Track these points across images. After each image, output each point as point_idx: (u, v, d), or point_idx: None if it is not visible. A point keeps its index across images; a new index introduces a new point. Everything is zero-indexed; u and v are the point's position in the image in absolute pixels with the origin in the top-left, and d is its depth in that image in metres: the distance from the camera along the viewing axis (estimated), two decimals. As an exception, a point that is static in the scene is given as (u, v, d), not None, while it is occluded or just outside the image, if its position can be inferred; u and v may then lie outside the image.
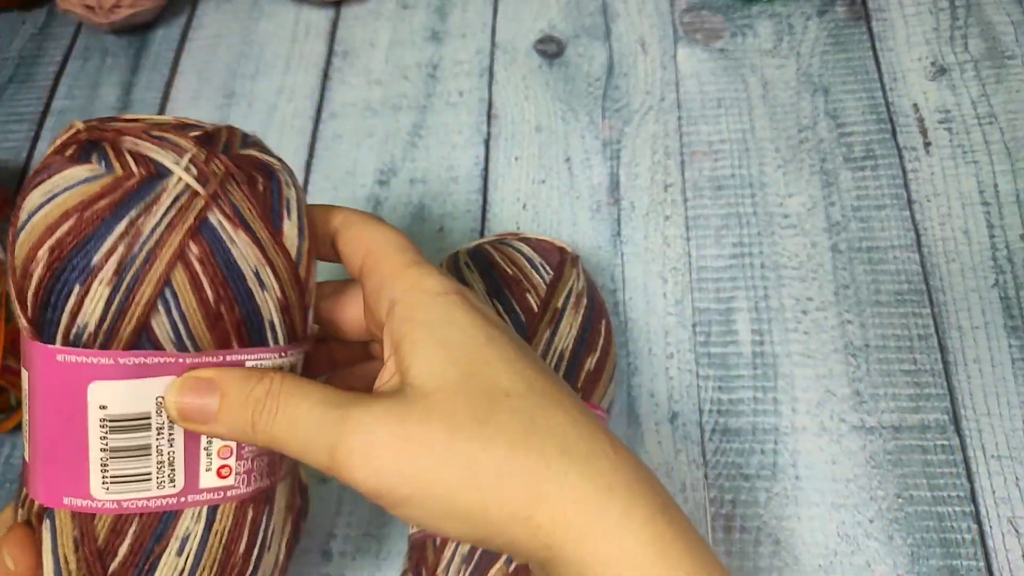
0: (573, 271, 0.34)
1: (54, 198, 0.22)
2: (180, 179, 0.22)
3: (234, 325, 0.23)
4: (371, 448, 0.21)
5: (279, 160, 0.25)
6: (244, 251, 0.23)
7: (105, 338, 0.22)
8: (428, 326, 0.23)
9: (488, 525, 0.21)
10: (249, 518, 0.24)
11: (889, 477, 0.35)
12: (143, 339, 0.22)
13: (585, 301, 0.33)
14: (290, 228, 0.24)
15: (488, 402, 0.21)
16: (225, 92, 0.50)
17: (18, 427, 0.41)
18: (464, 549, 0.29)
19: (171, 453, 0.23)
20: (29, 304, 0.22)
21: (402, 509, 0.22)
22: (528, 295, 0.33)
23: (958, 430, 0.36)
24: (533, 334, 0.32)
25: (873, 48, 0.46)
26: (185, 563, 0.23)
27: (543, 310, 0.32)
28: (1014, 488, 0.34)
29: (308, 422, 0.22)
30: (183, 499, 0.23)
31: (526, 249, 0.34)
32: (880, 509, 0.35)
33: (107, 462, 0.22)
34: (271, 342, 0.24)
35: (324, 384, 0.23)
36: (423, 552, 0.30)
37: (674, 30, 0.48)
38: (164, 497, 0.23)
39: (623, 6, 0.49)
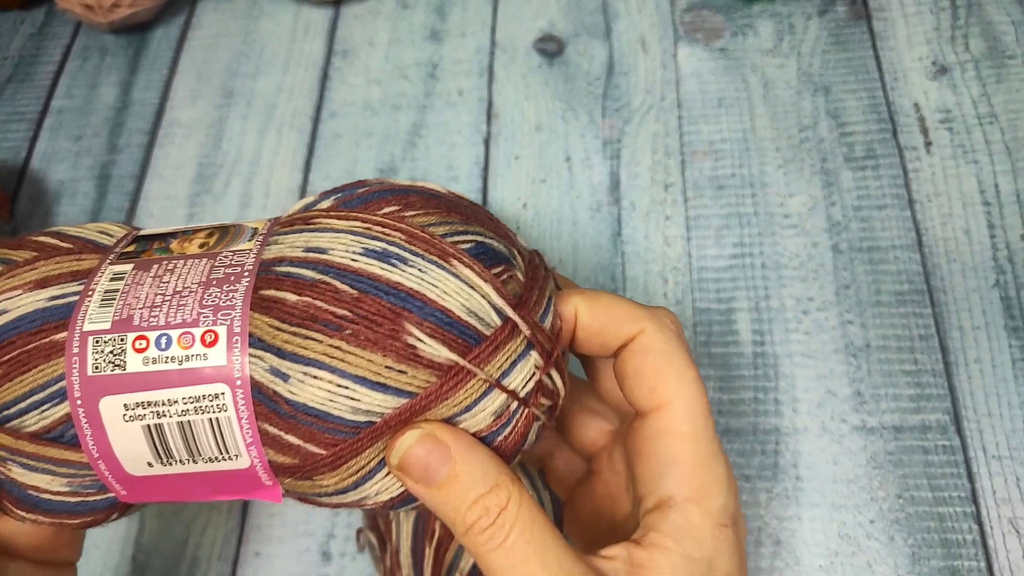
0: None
1: None
2: None
3: None
4: None
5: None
6: None
7: None
8: (689, 562, 0.20)
9: None
10: None
11: (890, 478, 0.35)
12: None
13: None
14: None
15: None
16: (224, 91, 0.50)
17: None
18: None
19: None
20: None
21: None
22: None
23: (959, 430, 0.36)
24: None
25: (874, 47, 0.46)
26: None
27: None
28: (1015, 488, 0.34)
29: None
30: None
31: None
32: (881, 510, 0.34)
33: None
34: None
35: (560, 535, 0.20)
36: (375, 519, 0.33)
37: (674, 29, 0.48)
38: None
39: (623, 5, 0.49)
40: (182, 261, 0.23)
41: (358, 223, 0.23)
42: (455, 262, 0.22)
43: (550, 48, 0.49)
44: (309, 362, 0.20)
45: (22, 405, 0.21)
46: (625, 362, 0.22)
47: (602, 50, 0.48)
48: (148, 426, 0.21)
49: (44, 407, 0.21)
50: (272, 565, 0.36)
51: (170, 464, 0.22)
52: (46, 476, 0.22)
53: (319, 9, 0.52)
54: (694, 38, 0.48)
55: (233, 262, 0.22)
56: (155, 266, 0.23)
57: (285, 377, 0.20)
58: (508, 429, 0.22)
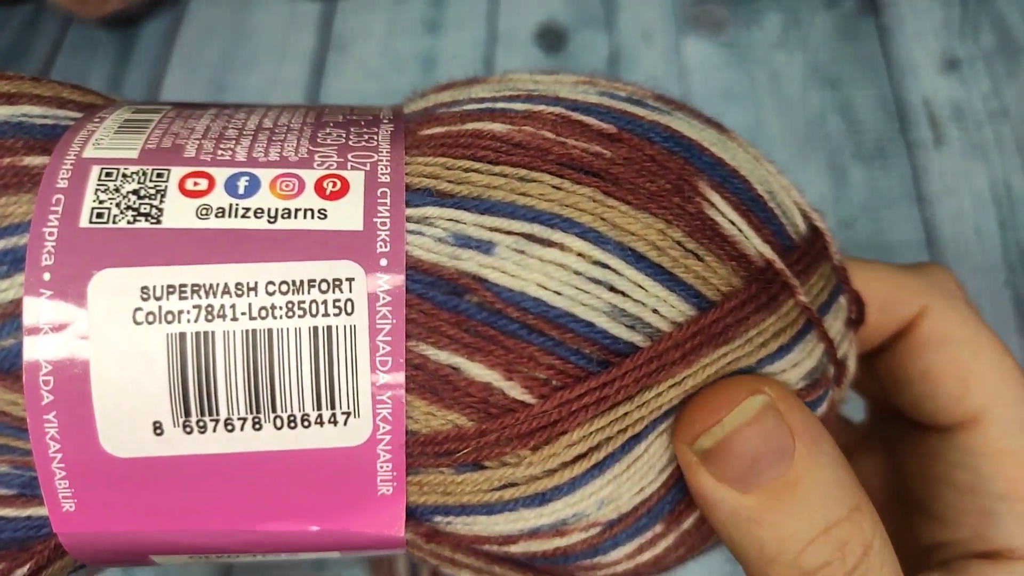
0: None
1: None
2: None
3: None
4: None
5: None
6: None
7: None
8: None
9: None
10: None
11: (900, 482, 0.35)
12: None
13: None
14: None
15: None
16: (217, 85, 0.49)
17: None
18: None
19: None
20: None
21: None
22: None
23: (970, 434, 0.35)
24: None
25: (882, 41, 0.45)
26: None
27: None
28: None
29: None
30: None
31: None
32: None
33: None
34: None
35: None
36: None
37: (679, 21, 0.47)
38: None
39: (626, -3, 0.49)
40: (262, 109, 0.14)
41: (568, 78, 0.14)
42: (733, 135, 0.14)
43: (551, 40, 0.48)
44: (538, 217, 0.12)
45: None
46: (906, 361, 0.16)
47: (604, 42, 0.47)
48: (181, 336, 0.11)
49: None
50: (268, 570, 0.35)
51: (201, 428, 0.11)
52: None
53: (313, 1, 0.51)
54: (699, 30, 0.47)
55: (354, 114, 0.14)
56: (212, 109, 0.14)
57: (487, 247, 0.12)
58: (817, 413, 0.14)
